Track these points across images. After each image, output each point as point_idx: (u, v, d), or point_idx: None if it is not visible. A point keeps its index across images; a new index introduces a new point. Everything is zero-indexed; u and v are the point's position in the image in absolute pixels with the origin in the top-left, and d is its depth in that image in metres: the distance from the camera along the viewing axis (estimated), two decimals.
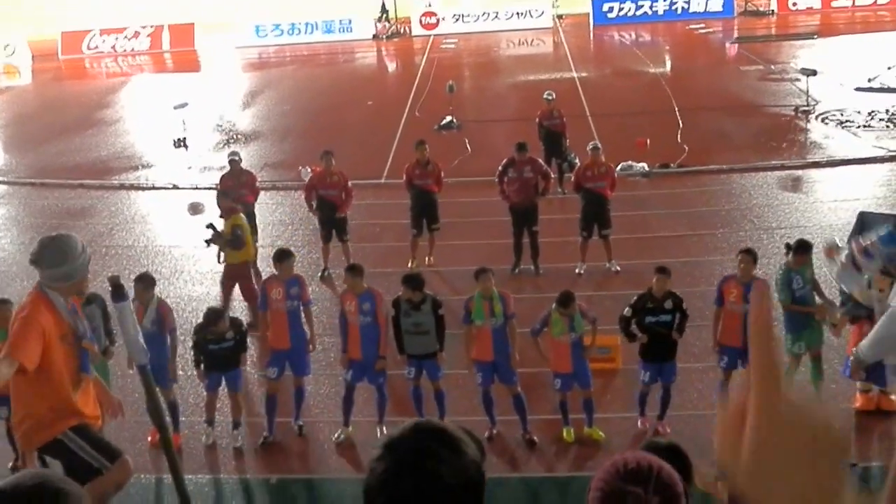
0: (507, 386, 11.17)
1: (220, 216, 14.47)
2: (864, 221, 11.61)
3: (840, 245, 5.59)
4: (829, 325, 11.22)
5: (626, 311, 11.12)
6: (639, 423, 11.31)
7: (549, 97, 20.08)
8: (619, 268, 15.55)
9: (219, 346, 11.22)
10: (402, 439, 2.26)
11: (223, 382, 11.45)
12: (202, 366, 11.37)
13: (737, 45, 36.20)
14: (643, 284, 11.45)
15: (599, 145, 16.00)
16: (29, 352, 6.30)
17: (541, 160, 16.76)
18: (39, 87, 39.19)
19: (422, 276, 11.81)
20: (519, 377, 11.15)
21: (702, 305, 12.84)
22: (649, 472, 2.53)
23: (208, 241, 14.36)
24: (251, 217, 16.63)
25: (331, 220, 16.17)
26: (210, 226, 14.20)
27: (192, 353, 11.59)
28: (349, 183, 16.28)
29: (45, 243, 6.49)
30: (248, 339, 11.72)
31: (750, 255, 11.10)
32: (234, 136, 26.61)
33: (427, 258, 16.19)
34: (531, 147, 16.66)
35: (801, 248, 11.29)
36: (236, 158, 16.87)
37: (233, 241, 14.18)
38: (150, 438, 11.21)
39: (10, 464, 10.68)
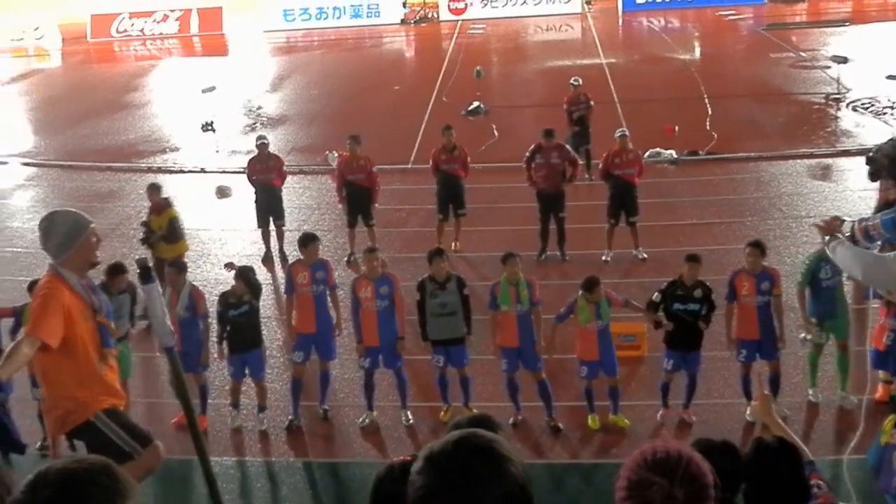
0: (532, 372, 11.16)
1: (150, 210, 14.52)
2: None
3: (846, 220, 5.49)
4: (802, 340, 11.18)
5: (656, 296, 11.07)
6: (659, 414, 11.25)
7: (576, 83, 20.00)
8: (645, 255, 15.48)
9: (238, 311, 11.29)
10: (444, 454, 2.19)
11: (246, 370, 11.51)
12: (224, 343, 11.43)
13: (741, 27, 35.93)
14: (670, 272, 11.39)
15: (627, 132, 15.90)
16: (50, 328, 6.19)
17: (568, 146, 16.68)
18: (69, 70, 39.37)
19: (443, 248, 11.91)
20: (544, 363, 11.14)
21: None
22: (678, 463, 2.49)
23: (143, 240, 14.52)
24: (278, 201, 16.69)
25: (358, 204, 16.19)
26: (144, 223, 14.37)
27: (216, 327, 11.65)
28: (374, 168, 16.29)
29: (40, 221, 6.51)
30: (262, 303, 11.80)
31: (758, 248, 10.98)
32: (262, 121, 26.65)
33: (453, 243, 16.15)
34: (559, 133, 16.62)
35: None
36: (265, 142, 16.89)
37: (168, 236, 14.33)
38: (174, 420, 11.29)
39: (38, 443, 10.78)
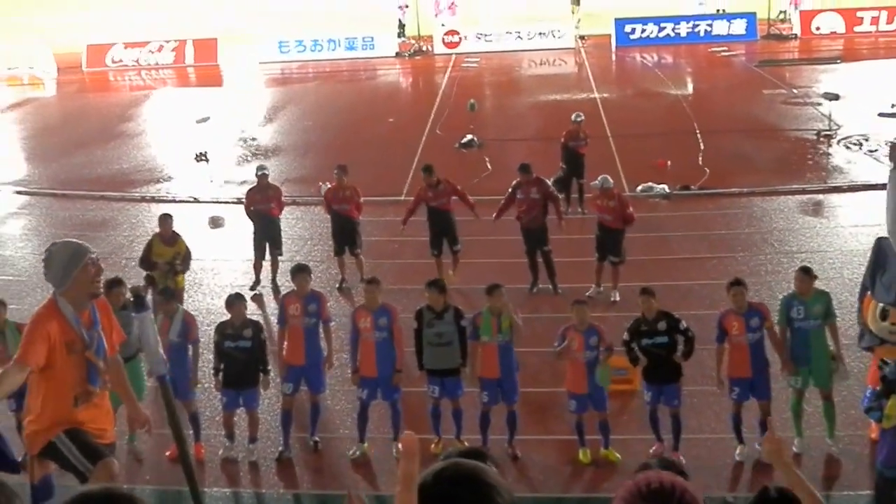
0: (507, 405, 11.20)
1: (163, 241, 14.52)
2: (881, 248, 11.37)
3: None
4: (792, 381, 11.02)
5: (625, 334, 11.14)
6: (652, 449, 11.15)
7: (578, 119, 20.03)
8: (618, 298, 15.30)
9: (235, 344, 11.19)
10: (427, 485, 2.14)
11: (240, 402, 11.44)
12: (220, 375, 11.34)
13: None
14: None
15: (609, 182, 15.66)
16: (35, 355, 6.45)
17: (548, 181, 16.65)
18: (63, 99, 39.42)
19: (443, 282, 11.87)
20: (522, 397, 11.19)
21: None
22: (672, 493, 2.49)
23: (174, 272, 14.54)
24: (277, 231, 16.73)
25: (343, 233, 16.30)
26: (170, 262, 14.44)
27: (213, 359, 11.59)
28: (360, 199, 16.53)
29: (48, 248, 6.68)
30: (268, 356, 11.67)
31: (741, 286, 10.97)
32: (256, 151, 26.68)
33: (450, 272, 16.10)
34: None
35: (801, 272, 11.16)
36: (265, 173, 16.93)
37: (185, 264, 14.52)
38: (168, 453, 11.19)
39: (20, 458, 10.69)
